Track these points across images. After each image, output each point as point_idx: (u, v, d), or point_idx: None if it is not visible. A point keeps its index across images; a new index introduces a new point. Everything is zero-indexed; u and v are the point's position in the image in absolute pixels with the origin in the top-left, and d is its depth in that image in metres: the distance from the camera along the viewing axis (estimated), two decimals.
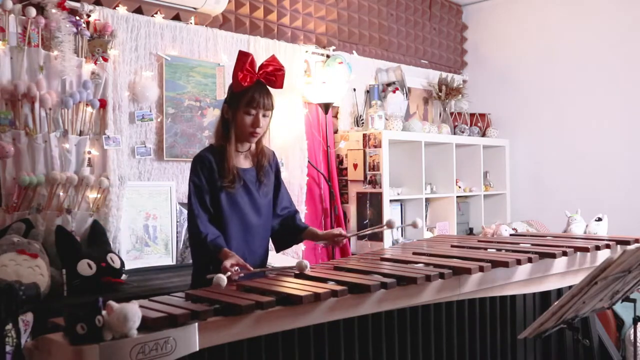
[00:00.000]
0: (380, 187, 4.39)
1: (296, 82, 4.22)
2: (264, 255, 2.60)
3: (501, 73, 5.73)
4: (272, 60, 2.45)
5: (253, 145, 2.54)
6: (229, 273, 2.17)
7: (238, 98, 2.40)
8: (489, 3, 5.84)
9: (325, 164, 4.45)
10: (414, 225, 2.81)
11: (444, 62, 5.77)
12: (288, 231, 2.67)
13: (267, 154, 2.59)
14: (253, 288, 2.00)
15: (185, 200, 3.61)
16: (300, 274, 2.23)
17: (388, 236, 4.43)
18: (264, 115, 2.42)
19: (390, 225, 2.76)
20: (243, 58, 2.38)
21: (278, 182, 2.66)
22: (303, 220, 2.83)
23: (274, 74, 2.42)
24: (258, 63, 2.45)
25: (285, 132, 4.14)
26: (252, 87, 2.39)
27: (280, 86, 2.46)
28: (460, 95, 5.56)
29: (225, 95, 2.55)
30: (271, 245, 2.71)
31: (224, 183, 2.41)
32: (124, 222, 3.30)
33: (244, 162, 2.51)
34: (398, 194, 4.66)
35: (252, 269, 2.27)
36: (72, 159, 3.12)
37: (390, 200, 4.49)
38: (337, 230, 2.66)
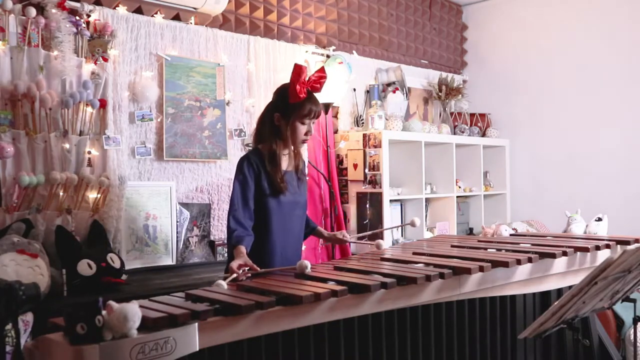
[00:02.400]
0: (380, 187, 4.39)
1: None
2: (300, 251, 2.81)
3: (501, 73, 5.73)
4: (320, 70, 2.69)
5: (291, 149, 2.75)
6: (235, 275, 2.20)
7: (294, 109, 2.61)
8: (489, 3, 5.84)
9: (325, 164, 4.44)
10: (412, 224, 3.08)
11: (444, 62, 5.77)
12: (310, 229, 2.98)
13: (302, 157, 2.84)
14: (253, 288, 2.01)
15: (185, 201, 3.64)
16: (301, 274, 2.23)
17: (388, 236, 4.43)
18: (313, 122, 2.69)
19: (413, 224, 3.08)
20: (300, 71, 2.57)
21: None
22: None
23: (318, 81, 2.65)
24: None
25: None
26: (307, 99, 2.61)
27: (320, 90, 2.70)
28: (460, 95, 5.56)
29: (275, 103, 2.71)
30: None
31: (276, 188, 2.61)
32: (124, 222, 3.30)
33: (285, 165, 2.71)
34: (398, 194, 4.66)
35: (258, 269, 2.32)
36: (72, 159, 3.11)
37: (390, 200, 4.49)
38: (340, 235, 2.99)
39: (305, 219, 2.87)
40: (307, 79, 2.63)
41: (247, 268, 2.29)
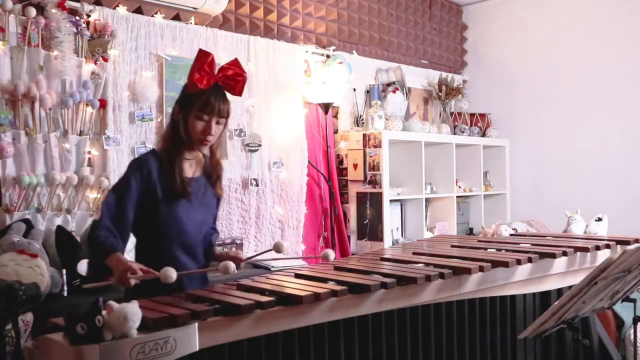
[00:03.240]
0: (380, 187, 4.39)
1: (296, 82, 4.22)
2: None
3: (501, 73, 5.73)
4: (234, 63, 2.23)
5: (200, 154, 2.32)
6: (133, 282, 1.96)
7: (191, 100, 2.17)
8: (489, 3, 5.84)
9: (325, 164, 4.45)
10: (277, 249, 2.33)
11: (444, 62, 5.77)
12: (207, 247, 2.39)
13: (222, 167, 2.38)
14: (253, 288, 2.00)
15: None
16: (300, 274, 2.23)
17: (388, 236, 4.43)
18: (217, 123, 2.20)
19: (277, 249, 2.33)
20: (202, 57, 2.16)
21: (219, 197, 2.43)
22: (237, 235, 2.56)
23: (234, 78, 2.20)
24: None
25: (285, 132, 4.14)
26: (208, 90, 2.16)
27: (240, 93, 2.24)
28: (460, 95, 5.56)
29: (179, 94, 2.27)
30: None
31: (169, 193, 2.17)
32: None
33: (188, 171, 2.27)
34: (398, 194, 4.66)
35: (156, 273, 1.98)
36: (72, 159, 3.12)
37: (390, 200, 4.48)
38: (234, 253, 2.38)
39: (209, 232, 2.39)
40: (216, 70, 2.19)
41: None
